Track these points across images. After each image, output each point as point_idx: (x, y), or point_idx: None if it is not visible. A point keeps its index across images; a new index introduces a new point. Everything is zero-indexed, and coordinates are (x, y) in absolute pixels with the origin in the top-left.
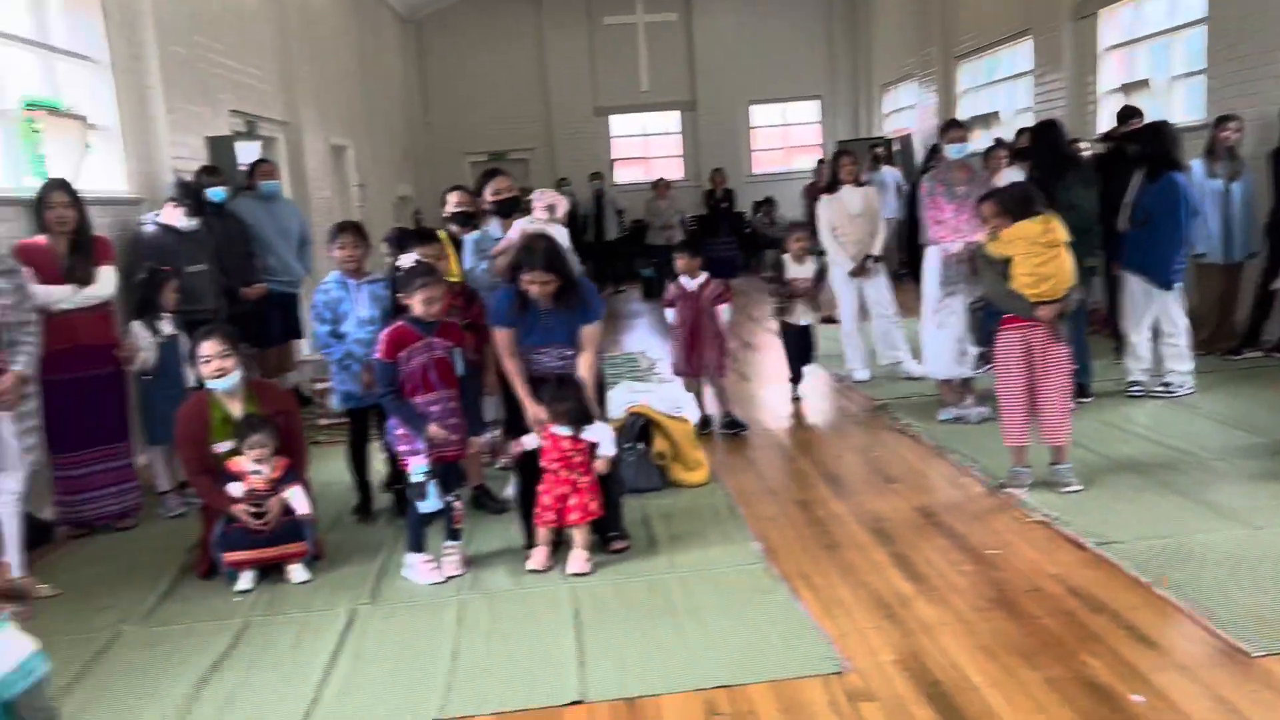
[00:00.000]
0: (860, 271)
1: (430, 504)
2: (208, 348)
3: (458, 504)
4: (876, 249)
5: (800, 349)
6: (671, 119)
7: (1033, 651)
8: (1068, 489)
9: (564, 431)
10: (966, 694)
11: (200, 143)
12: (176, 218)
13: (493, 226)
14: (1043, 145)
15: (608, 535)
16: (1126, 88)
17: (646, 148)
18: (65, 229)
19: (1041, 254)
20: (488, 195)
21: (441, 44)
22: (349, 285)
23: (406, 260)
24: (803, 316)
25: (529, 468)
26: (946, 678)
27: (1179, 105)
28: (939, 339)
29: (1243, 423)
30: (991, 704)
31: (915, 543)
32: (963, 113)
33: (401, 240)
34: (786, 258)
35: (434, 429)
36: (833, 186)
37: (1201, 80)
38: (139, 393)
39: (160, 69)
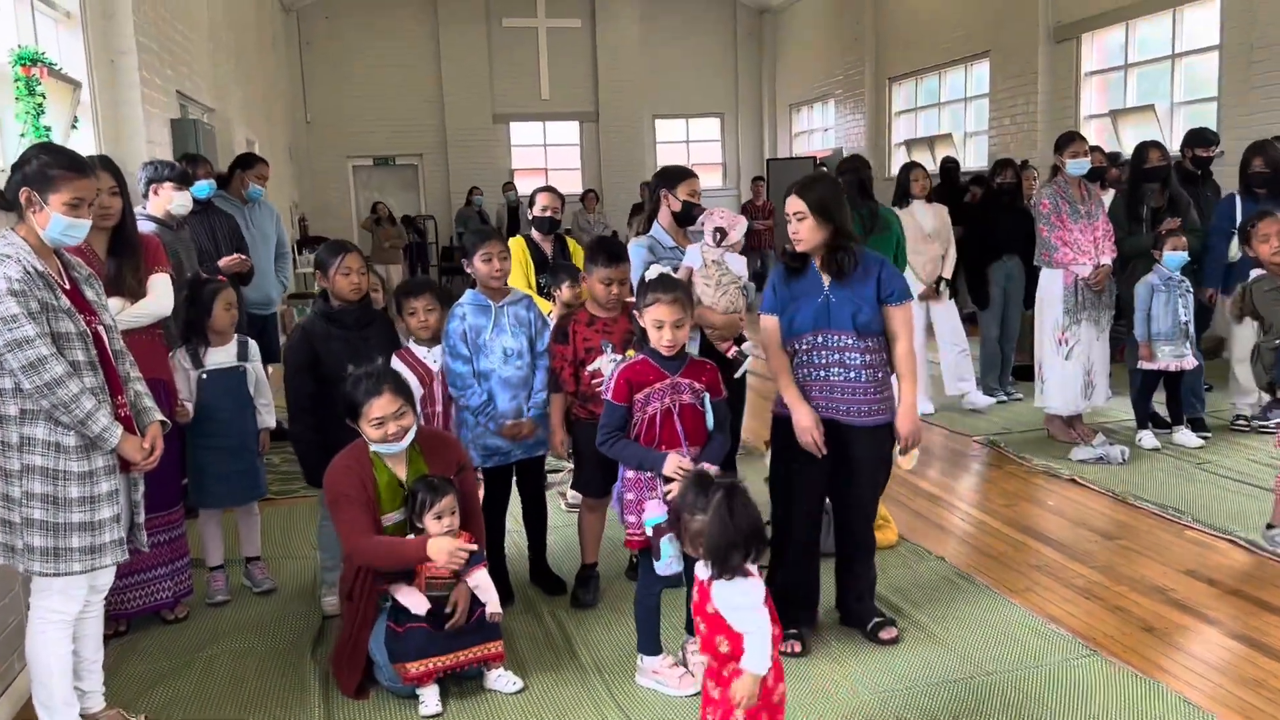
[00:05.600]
0: (931, 294)
1: (665, 564)
2: (380, 406)
3: None
4: (948, 270)
5: None
6: (571, 129)
7: None
8: None
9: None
10: None
11: (164, 126)
12: (170, 206)
13: (659, 233)
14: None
15: (870, 621)
16: (1117, 114)
17: (547, 158)
18: (107, 224)
19: None
20: (681, 195)
21: (323, 36)
22: (490, 309)
23: (653, 270)
24: None
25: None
26: None
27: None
28: (1065, 371)
29: None
30: None
31: (1234, 614)
32: (897, 135)
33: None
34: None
35: (676, 462)
36: (902, 201)
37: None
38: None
39: (134, 30)
